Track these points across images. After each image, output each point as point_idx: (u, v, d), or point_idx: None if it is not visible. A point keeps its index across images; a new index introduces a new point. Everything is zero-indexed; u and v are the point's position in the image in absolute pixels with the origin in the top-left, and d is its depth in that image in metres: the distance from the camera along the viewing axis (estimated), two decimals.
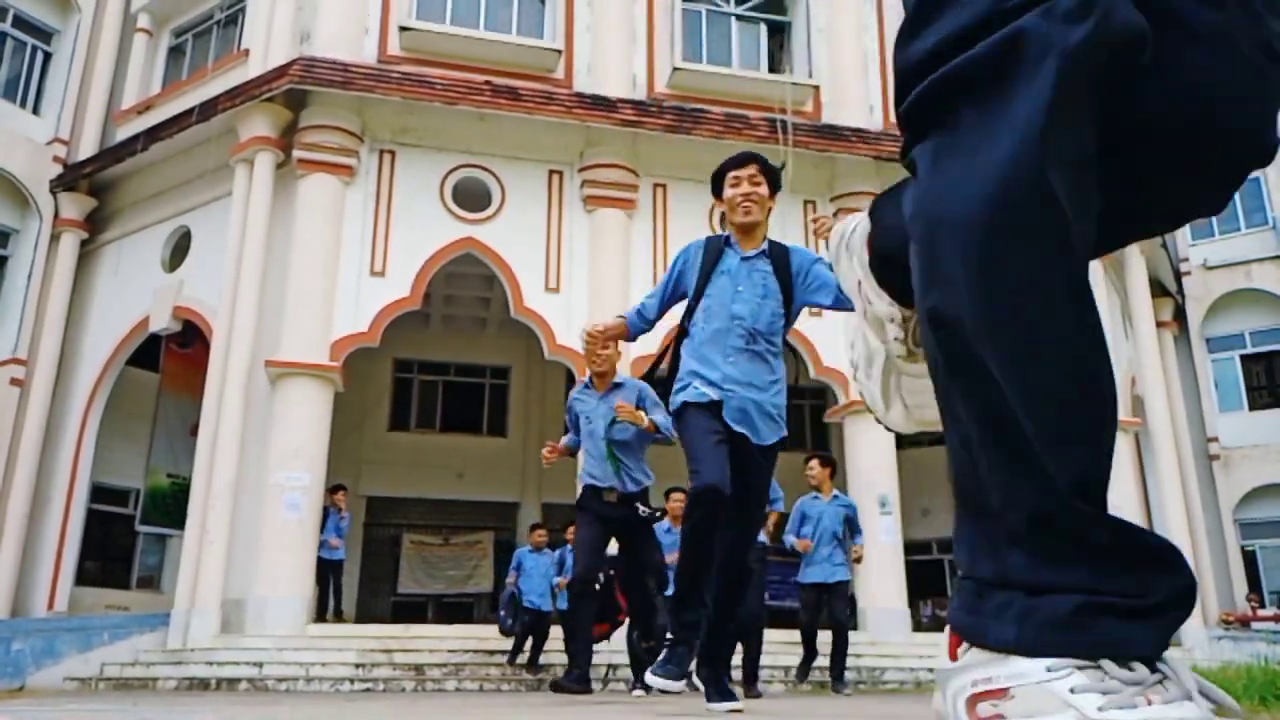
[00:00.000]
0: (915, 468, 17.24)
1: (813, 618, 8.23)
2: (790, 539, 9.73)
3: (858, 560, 8.36)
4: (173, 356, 15.66)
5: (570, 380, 13.08)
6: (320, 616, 12.28)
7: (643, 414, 5.34)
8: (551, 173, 13.21)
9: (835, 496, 8.24)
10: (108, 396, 14.24)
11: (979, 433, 0.79)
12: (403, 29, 13.12)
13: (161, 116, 14.02)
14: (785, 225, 13.70)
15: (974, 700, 0.80)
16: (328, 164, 12.33)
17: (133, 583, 15.69)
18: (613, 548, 7.07)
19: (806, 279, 3.76)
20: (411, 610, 17.39)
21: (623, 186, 13.01)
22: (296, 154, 12.32)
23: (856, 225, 1.17)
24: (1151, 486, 16.10)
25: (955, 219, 0.77)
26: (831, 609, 8.05)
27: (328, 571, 12.76)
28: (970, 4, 0.78)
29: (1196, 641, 13.83)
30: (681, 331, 3.85)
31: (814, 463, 8.35)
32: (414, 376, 19.16)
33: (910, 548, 15.10)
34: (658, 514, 5.64)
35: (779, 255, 3.81)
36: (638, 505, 5.68)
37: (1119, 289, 16.08)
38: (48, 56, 15.87)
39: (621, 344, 5.21)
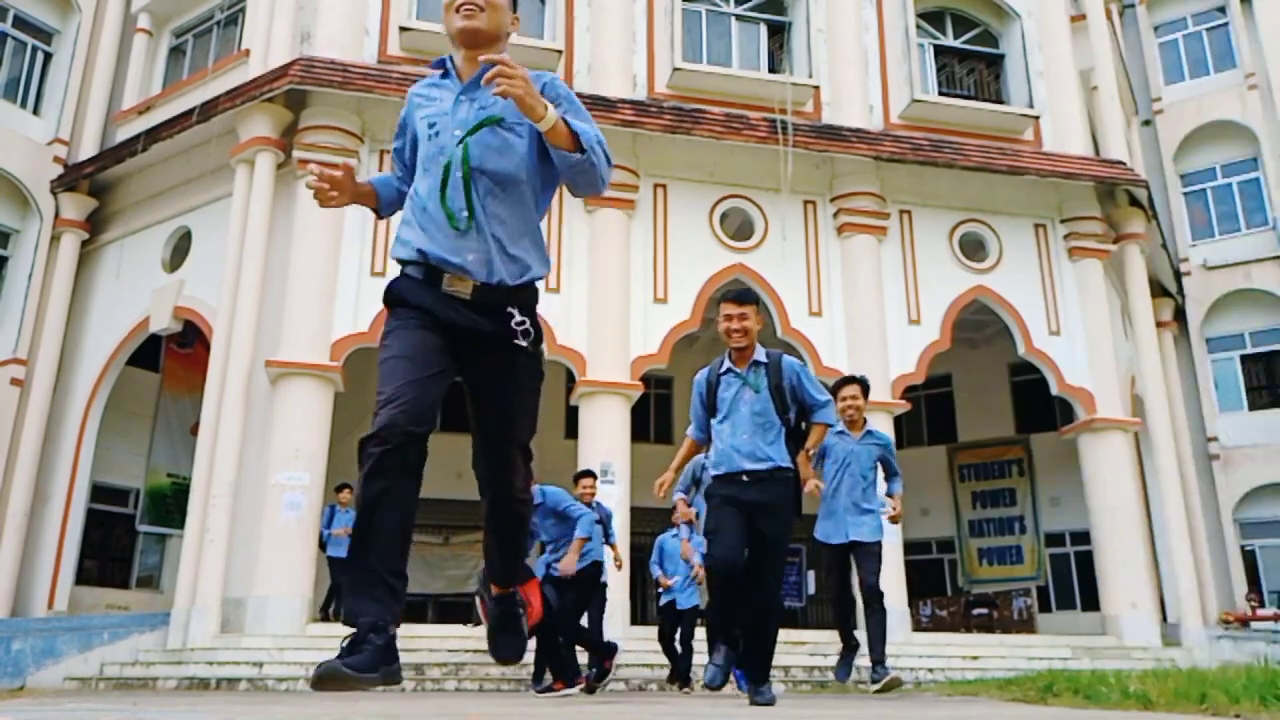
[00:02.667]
0: (915, 468, 17.25)
1: (841, 581, 6.37)
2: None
3: (894, 519, 6.40)
4: (173, 356, 15.69)
5: (571, 381, 13.05)
6: (323, 616, 12.29)
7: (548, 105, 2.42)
8: None
9: (868, 433, 6.46)
10: (108, 396, 14.24)
11: None
12: (403, 29, 13.12)
13: (162, 117, 14.02)
14: (786, 226, 13.72)
15: None
16: (328, 164, 12.31)
17: (133, 582, 15.69)
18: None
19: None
20: (411, 610, 17.38)
21: (623, 187, 12.98)
22: (296, 154, 12.32)
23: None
24: (1151, 486, 16.08)
25: None
26: (862, 573, 6.31)
27: (339, 570, 12.70)
28: None
29: (1196, 641, 13.81)
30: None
31: (853, 389, 6.30)
32: None
33: (910, 548, 15.10)
34: (537, 338, 2.71)
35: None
36: (510, 310, 2.67)
37: (1119, 289, 16.07)
38: (48, 56, 15.87)
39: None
